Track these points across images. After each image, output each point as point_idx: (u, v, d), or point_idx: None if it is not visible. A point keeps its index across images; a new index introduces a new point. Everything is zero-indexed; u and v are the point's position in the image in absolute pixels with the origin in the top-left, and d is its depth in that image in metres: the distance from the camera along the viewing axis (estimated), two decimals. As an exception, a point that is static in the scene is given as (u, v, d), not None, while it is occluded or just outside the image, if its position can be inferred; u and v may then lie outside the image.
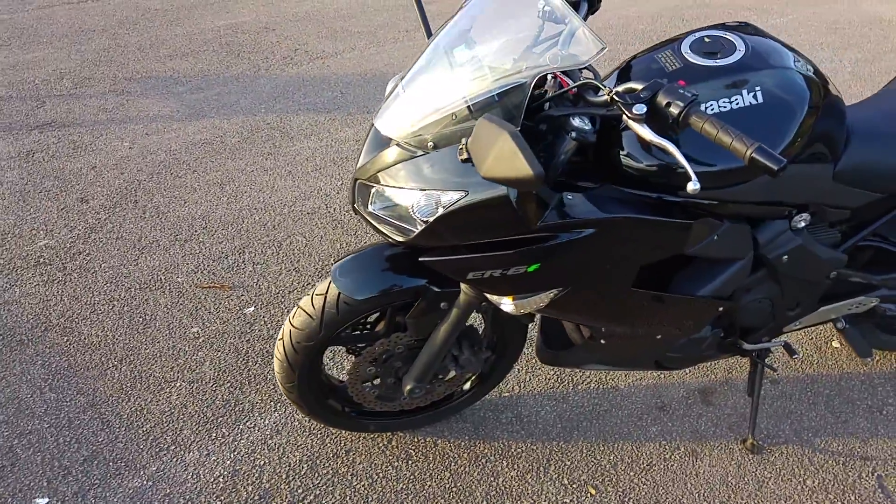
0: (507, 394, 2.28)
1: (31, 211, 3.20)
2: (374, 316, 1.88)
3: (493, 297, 1.61)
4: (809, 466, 2.06)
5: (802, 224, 1.71)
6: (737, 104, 1.44)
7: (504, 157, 1.14)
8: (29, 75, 4.53)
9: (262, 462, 2.06)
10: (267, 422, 2.18)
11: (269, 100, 4.23)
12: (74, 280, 2.78)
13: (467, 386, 2.11)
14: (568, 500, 1.97)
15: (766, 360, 2.02)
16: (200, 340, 2.49)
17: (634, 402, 2.25)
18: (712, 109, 1.45)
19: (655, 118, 1.26)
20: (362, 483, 2.01)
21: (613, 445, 2.11)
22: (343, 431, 2.12)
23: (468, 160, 1.31)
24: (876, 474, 2.03)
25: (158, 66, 4.69)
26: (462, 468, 2.05)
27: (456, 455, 2.08)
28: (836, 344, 2.45)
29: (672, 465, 2.06)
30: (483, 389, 2.11)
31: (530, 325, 2.28)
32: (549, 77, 1.51)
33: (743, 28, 1.61)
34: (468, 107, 1.38)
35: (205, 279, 2.79)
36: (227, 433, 2.15)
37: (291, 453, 2.09)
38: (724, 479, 2.02)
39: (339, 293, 1.71)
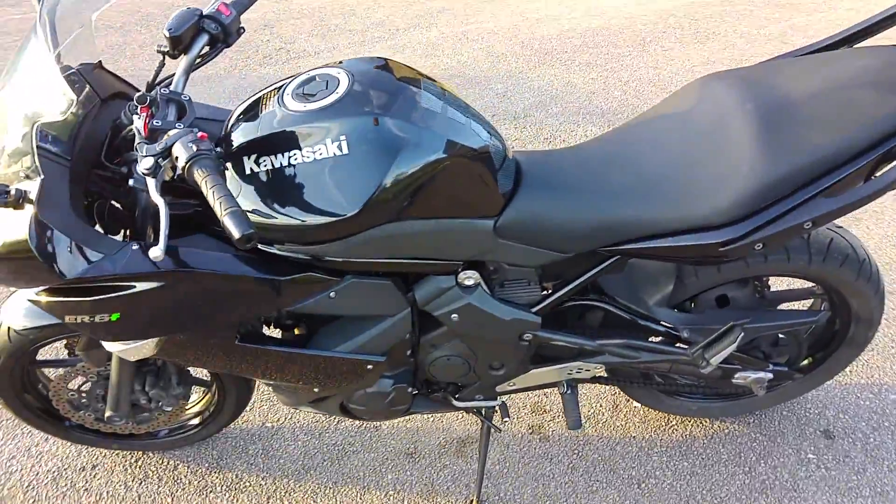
0: (269, 424, 2.27)
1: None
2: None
3: (104, 342, 1.61)
4: (523, 538, 1.91)
5: (471, 282, 1.59)
6: (320, 154, 1.35)
7: None
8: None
9: (16, 468, 2.17)
10: (43, 429, 2.27)
11: (225, 102, 4.33)
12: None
13: (196, 420, 2.11)
14: (261, 543, 1.94)
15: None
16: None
17: (388, 446, 2.18)
18: (295, 160, 1.36)
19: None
20: (91, 499, 2.07)
21: (338, 489, 2.06)
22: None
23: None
24: (584, 556, 1.86)
25: (146, 65, 4.89)
26: (186, 495, 2.07)
27: (188, 481, 2.11)
28: (636, 405, 2.24)
29: (385, 519, 1.98)
30: (220, 421, 2.10)
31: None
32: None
33: (365, 65, 1.48)
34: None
35: None
36: (1, 437, 2.27)
37: (45, 462, 2.18)
38: (427, 541, 1.92)
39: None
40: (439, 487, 2.06)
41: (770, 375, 1.90)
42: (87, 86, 1.55)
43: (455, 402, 1.87)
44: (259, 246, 1.46)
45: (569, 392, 1.87)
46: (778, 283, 2.49)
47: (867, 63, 1.54)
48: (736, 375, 1.90)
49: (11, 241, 1.33)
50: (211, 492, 2.09)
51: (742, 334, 1.71)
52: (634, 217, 1.51)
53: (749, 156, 1.46)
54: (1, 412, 2.34)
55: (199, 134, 1.27)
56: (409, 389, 1.80)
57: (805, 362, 2.05)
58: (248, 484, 2.10)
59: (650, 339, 1.81)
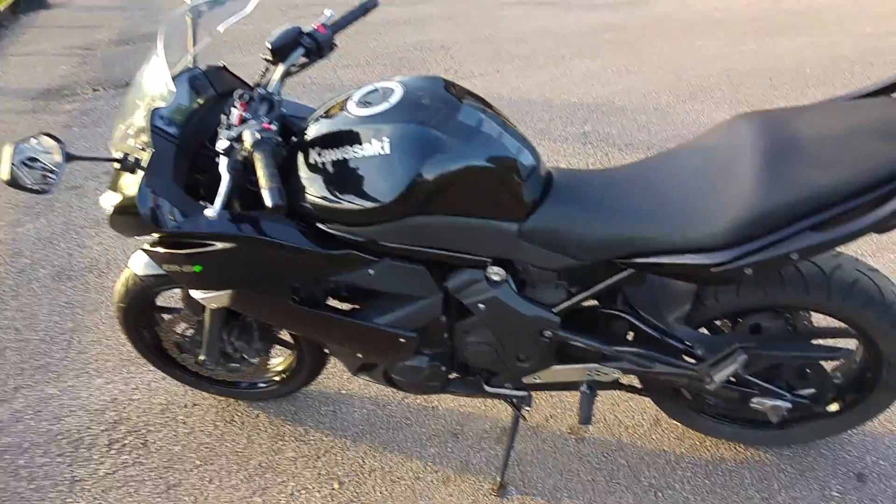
0: (344, 391, 2.59)
1: None
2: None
3: (190, 290, 1.98)
4: (535, 521, 2.09)
5: (497, 277, 1.82)
6: (367, 152, 1.65)
7: None
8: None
9: (136, 397, 2.63)
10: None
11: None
12: None
13: (277, 378, 2.46)
14: (311, 486, 2.24)
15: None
16: None
17: (438, 423, 2.42)
18: (348, 155, 1.67)
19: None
20: (185, 430, 2.47)
21: (384, 455, 2.33)
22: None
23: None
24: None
25: (330, 74, 5.44)
26: (260, 440, 2.42)
27: (263, 428, 2.46)
28: (655, 436, 2.34)
29: (418, 484, 2.22)
30: (297, 381, 2.44)
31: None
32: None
33: (420, 82, 1.75)
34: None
35: None
36: (132, 371, 2.73)
37: (159, 396, 2.64)
38: (450, 509, 2.14)
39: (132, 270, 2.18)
40: (473, 467, 2.27)
41: (787, 405, 1.96)
42: (209, 83, 1.92)
43: (486, 388, 2.09)
44: (318, 225, 1.76)
45: (588, 392, 2.03)
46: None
47: (886, 113, 1.62)
48: (753, 400, 1.98)
49: (126, 198, 1.72)
50: (280, 439, 2.42)
51: (744, 357, 1.81)
52: (644, 234, 1.68)
53: (749, 188, 1.59)
54: (131, 351, 2.81)
55: (265, 125, 1.59)
56: (444, 369, 2.04)
57: (834, 402, 2.08)
58: (312, 438, 2.41)
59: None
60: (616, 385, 2.06)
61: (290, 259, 1.77)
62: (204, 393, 2.60)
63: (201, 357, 2.27)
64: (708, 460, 2.22)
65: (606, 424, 2.37)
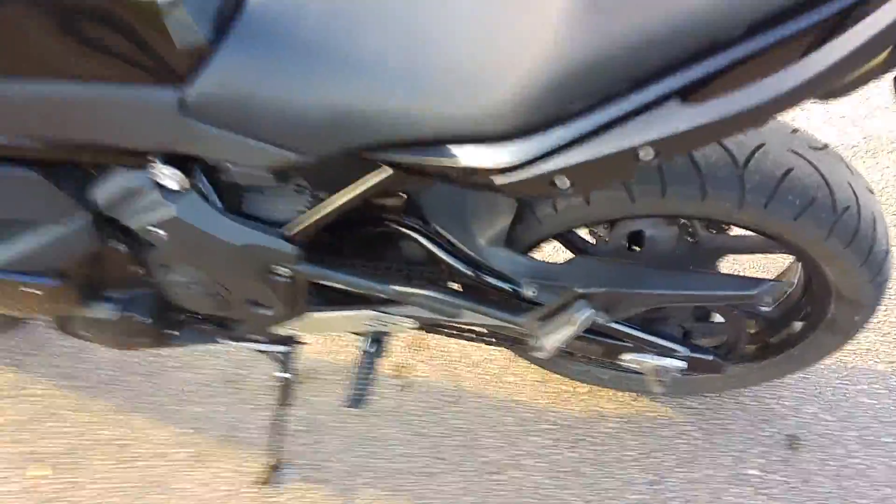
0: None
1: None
2: None
3: None
4: (312, 524, 1.43)
5: (172, 183, 1.03)
6: None
7: None
8: None
9: None
10: None
11: None
12: None
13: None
14: (9, 471, 1.57)
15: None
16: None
17: (214, 367, 1.73)
18: None
19: None
20: None
21: (129, 419, 1.64)
22: None
23: None
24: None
25: None
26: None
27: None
28: (510, 379, 1.63)
29: (158, 466, 1.56)
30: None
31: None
32: None
33: None
34: None
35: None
36: None
37: None
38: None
39: None
40: (242, 435, 1.59)
41: (681, 365, 1.24)
42: None
43: (219, 339, 1.37)
44: None
45: (370, 351, 1.30)
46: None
47: None
48: (625, 357, 1.26)
49: None
50: (-7, 395, 1.72)
51: (588, 312, 1.06)
52: (390, 107, 0.87)
53: (558, 17, 0.77)
54: None
55: None
56: (149, 320, 1.29)
57: (757, 343, 1.37)
58: (38, 390, 1.72)
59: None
60: (431, 328, 1.33)
61: None
62: None
63: None
64: (577, 418, 1.54)
65: (446, 361, 1.67)
